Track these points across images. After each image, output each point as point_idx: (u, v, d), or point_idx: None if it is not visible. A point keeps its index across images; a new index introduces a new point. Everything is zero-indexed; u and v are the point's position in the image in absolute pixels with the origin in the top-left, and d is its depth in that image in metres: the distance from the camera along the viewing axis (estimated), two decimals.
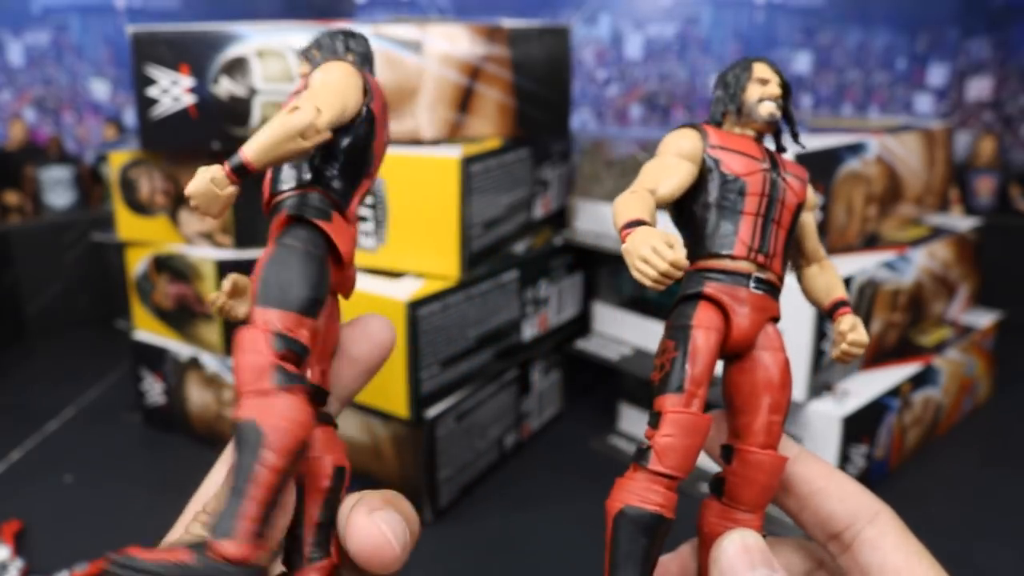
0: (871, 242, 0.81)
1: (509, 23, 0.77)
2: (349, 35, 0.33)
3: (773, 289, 0.31)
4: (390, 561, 0.26)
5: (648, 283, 0.26)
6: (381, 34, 0.74)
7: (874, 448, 0.73)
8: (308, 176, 0.29)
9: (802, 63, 1.52)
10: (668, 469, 0.27)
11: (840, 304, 0.33)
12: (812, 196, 0.34)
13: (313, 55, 0.33)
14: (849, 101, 1.53)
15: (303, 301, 0.27)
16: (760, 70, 0.33)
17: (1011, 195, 1.30)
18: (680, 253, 0.26)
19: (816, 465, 0.29)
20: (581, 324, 0.91)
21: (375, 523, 0.26)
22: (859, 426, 0.70)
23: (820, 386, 0.71)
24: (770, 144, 0.33)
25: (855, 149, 0.76)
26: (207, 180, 0.26)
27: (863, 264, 0.74)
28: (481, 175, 0.72)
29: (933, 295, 0.85)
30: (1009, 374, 0.97)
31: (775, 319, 0.31)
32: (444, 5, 1.65)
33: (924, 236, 0.84)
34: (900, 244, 0.81)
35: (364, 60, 0.33)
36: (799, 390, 0.69)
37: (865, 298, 0.74)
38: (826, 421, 0.69)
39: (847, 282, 0.71)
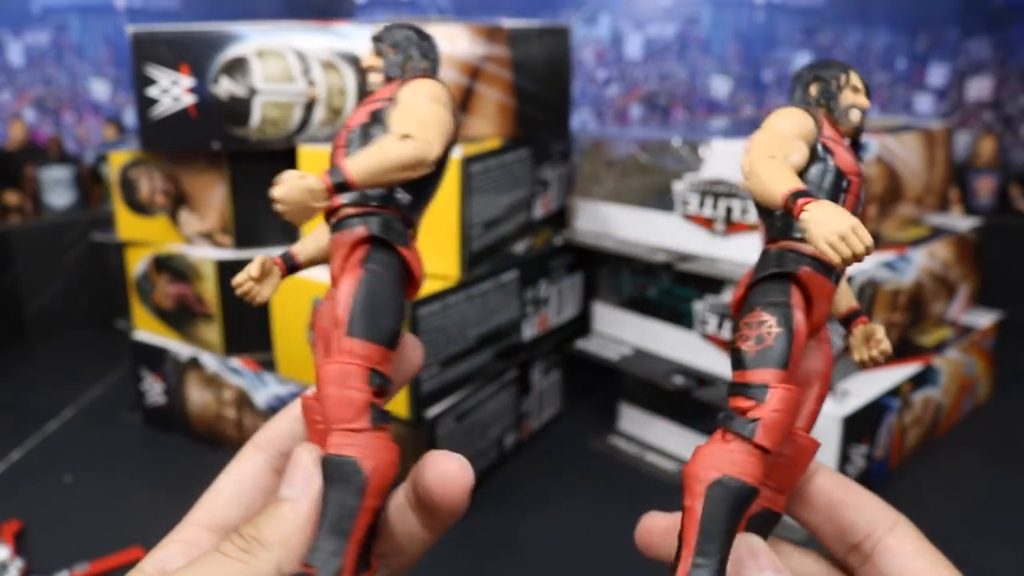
0: None
1: (509, 23, 0.77)
2: (422, 36, 0.33)
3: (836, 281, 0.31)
4: (464, 490, 0.28)
5: (836, 260, 0.26)
6: None
7: (874, 448, 0.73)
8: (390, 195, 0.28)
9: (802, 63, 1.52)
10: (772, 444, 0.27)
11: (857, 312, 0.33)
12: None
13: (387, 53, 0.32)
14: None
15: (391, 334, 0.27)
16: (855, 79, 0.33)
17: (1011, 195, 1.30)
18: (871, 240, 0.26)
19: (833, 477, 0.30)
20: (581, 324, 0.91)
21: (450, 456, 0.28)
22: (859, 426, 0.70)
23: None
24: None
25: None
26: (303, 189, 0.26)
27: (863, 264, 0.74)
28: (481, 175, 0.72)
29: (933, 295, 0.85)
30: (1009, 374, 0.97)
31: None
32: (444, 5, 1.65)
33: (924, 236, 0.84)
34: (900, 244, 0.81)
35: (435, 69, 0.33)
36: None
37: (865, 298, 0.74)
38: (826, 421, 0.69)
39: (847, 282, 0.71)
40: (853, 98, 0.33)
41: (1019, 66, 1.44)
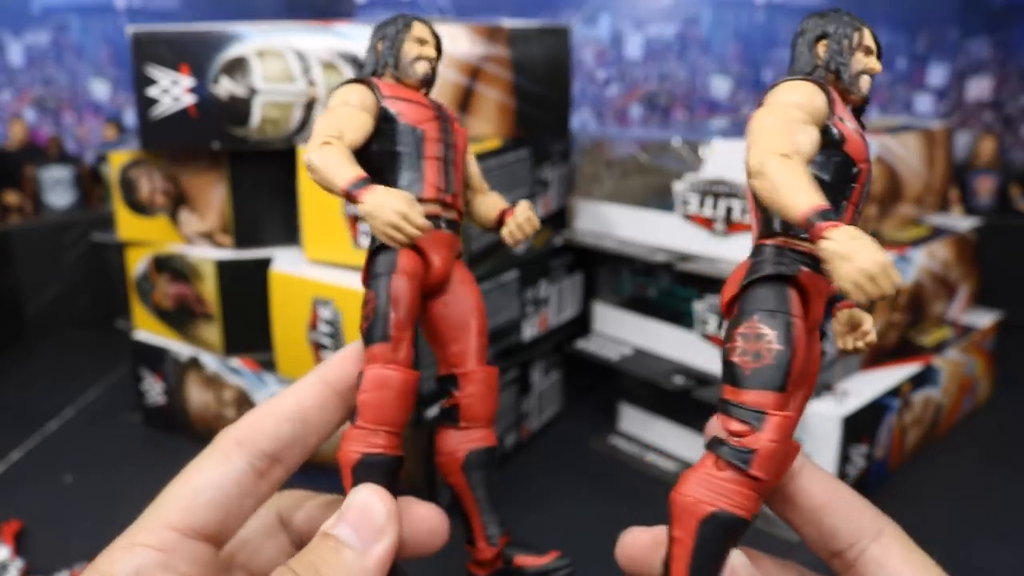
0: None
1: (509, 23, 0.77)
2: (376, 30, 0.36)
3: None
4: (446, 537, 0.30)
5: (861, 300, 0.23)
6: None
7: (874, 448, 0.73)
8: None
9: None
10: (767, 476, 0.25)
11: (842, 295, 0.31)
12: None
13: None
14: None
15: None
16: (868, 38, 0.29)
17: (1011, 195, 1.30)
18: (899, 276, 0.23)
19: (820, 479, 0.28)
20: (581, 324, 0.91)
21: (434, 509, 0.29)
22: (859, 426, 0.70)
23: (820, 386, 0.71)
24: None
25: None
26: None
27: None
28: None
29: (933, 295, 0.85)
30: (1009, 374, 0.97)
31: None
32: (444, 5, 1.65)
33: (924, 236, 0.84)
34: (900, 244, 0.81)
35: (391, 56, 0.36)
36: None
37: None
38: (826, 421, 0.69)
39: None
40: (865, 62, 0.29)
41: (1019, 66, 1.44)
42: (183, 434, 0.88)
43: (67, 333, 1.23)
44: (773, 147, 0.25)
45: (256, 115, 0.75)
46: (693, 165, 0.75)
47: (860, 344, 0.30)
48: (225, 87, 0.75)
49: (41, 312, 1.24)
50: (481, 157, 0.72)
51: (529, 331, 0.82)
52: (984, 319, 0.91)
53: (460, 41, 0.75)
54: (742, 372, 0.26)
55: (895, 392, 0.75)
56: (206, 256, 0.82)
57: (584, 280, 0.91)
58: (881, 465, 0.75)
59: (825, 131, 0.27)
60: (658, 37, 1.61)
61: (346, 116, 0.31)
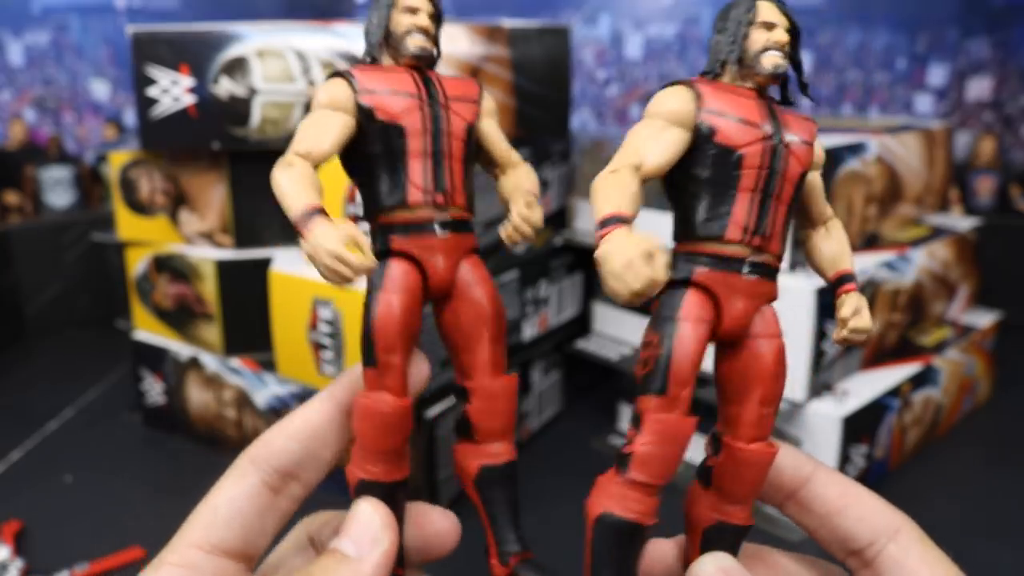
0: (871, 242, 0.81)
1: (509, 23, 0.77)
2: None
3: (770, 271, 0.28)
4: (456, 540, 0.31)
5: (620, 301, 0.24)
6: None
7: (874, 448, 0.73)
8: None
9: (802, 63, 1.52)
10: (647, 478, 0.26)
11: (845, 279, 0.30)
12: (820, 153, 0.30)
13: None
14: (849, 101, 1.53)
15: None
16: (765, 11, 0.28)
17: (1011, 195, 1.30)
18: (658, 269, 0.23)
19: (833, 483, 0.29)
20: (581, 324, 0.91)
21: (445, 513, 0.30)
22: (859, 426, 0.70)
23: (820, 386, 0.71)
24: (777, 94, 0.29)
25: (855, 149, 0.76)
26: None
27: (863, 264, 0.74)
28: (481, 175, 0.72)
29: (933, 295, 0.85)
30: (1009, 374, 0.97)
31: (772, 300, 0.28)
32: (444, 5, 1.64)
33: (924, 236, 0.84)
34: (900, 244, 0.81)
35: (370, 47, 0.32)
36: (799, 390, 0.69)
37: (865, 298, 0.74)
38: (826, 421, 0.69)
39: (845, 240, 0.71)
40: (765, 37, 0.28)
41: (1019, 66, 1.44)
42: (183, 434, 0.88)
43: (67, 333, 1.23)
44: (613, 163, 0.27)
45: (256, 115, 0.75)
46: None
47: (844, 333, 0.29)
48: (225, 87, 0.75)
49: (41, 312, 1.24)
50: None
51: (529, 331, 0.82)
52: (984, 319, 0.91)
53: (460, 41, 0.75)
54: (636, 381, 0.27)
55: (895, 392, 0.75)
56: (206, 256, 0.82)
57: (584, 280, 0.91)
58: (881, 465, 0.75)
59: (697, 129, 0.27)
60: (658, 37, 1.61)
61: (318, 123, 0.28)
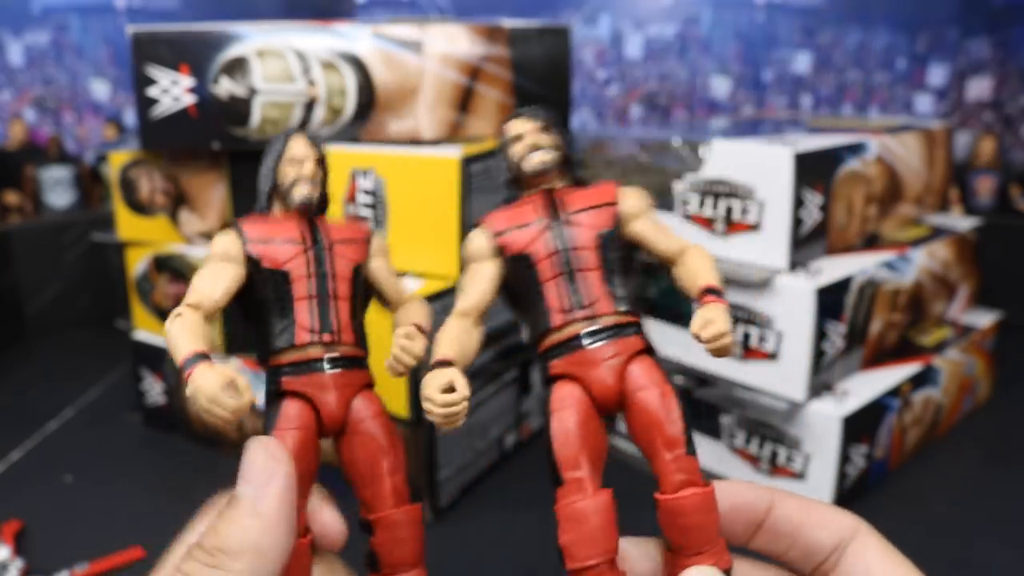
0: (871, 242, 0.81)
1: (509, 23, 0.77)
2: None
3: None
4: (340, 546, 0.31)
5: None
6: (381, 34, 0.74)
7: (874, 448, 0.73)
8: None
9: (802, 63, 1.52)
10: (572, 564, 0.28)
11: (706, 292, 0.31)
12: (635, 203, 0.32)
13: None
14: (849, 101, 1.53)
15: None
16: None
17: (1011, 195, 1.30)
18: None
19: (791, 500, 0.30)
20: None
21: (334, 516, 0.30)
22: (859, 426, 0.70)
23: (820, 386, 0.71)
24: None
25: (855, 149, 0.76)
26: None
27: (863, 264, 0.74)
28: (481, 175, 0.72)
29: (933, 295, 0.85)
30: (1009, 374, 0.97)
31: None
32: (444, 5, 1.65)
33: (924, 236, 0.84)
34: (900, 244, 0.81)
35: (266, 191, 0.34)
36: (799, 390, 0.69)
37: (865, 298, 0.74)
38: (826, 421, 0.69)
39: (847, 282, 0.71)
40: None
41: (1019, 66, 1.44)
42: (183, 434, 0.88)
43: (67, 333, 1.23)
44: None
45: (256, 115, 0.75)
46: (693, 165, 0.75)
47: (705, 347, 0.29)
48: (225, 87, 0.75)
49: (41, 312, 1.24)
50: (481, 157, 0.72)
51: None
52: (984, 319, 0.91)
53: (460, 41, 0.75)
54: None
55: (895, 392, 0.75)
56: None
57: None
58: (881, 465, 0.75)
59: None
60: (658, 37, 1.61)
61: (210, 275, 0.31)
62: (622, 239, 0.32)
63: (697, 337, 0.29)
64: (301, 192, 0.31)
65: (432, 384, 0.27)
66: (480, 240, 0.31)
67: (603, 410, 0.30)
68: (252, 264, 0.31)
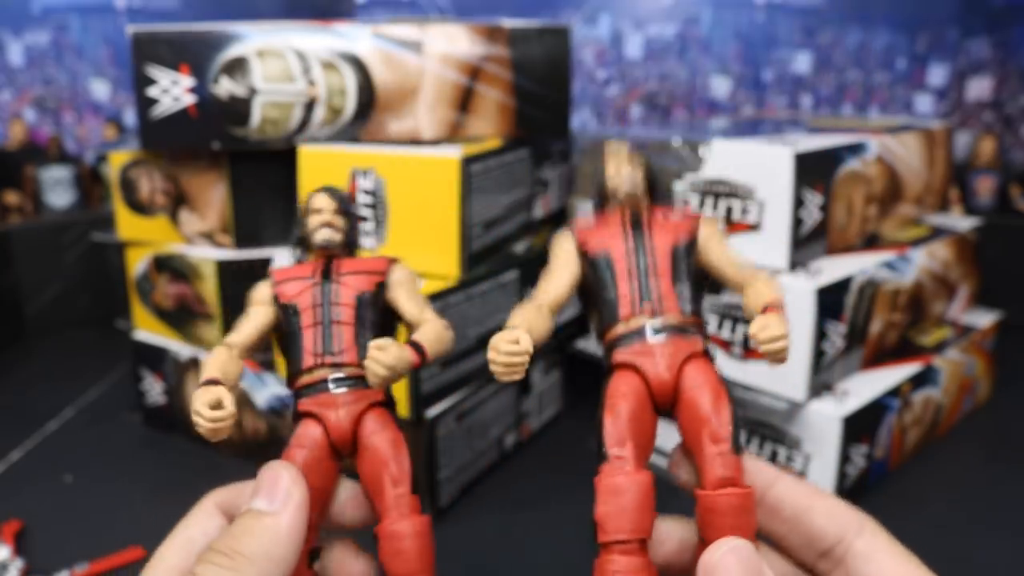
0: (871, 242, 0.81)
1: (509, 23, 0.77)
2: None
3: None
4: None
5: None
6: (381, 34, 0.74)
7: (874, 448, 0.73)
8: None
9: (802, 63, 1.52)
10: (604, 537, 0.29)
11: (769, 306, 0.32)
12: (707, 227, 0.35)
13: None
14: (849, 101, 1.53)
15: None
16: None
17: (1011, 195, 1.30)
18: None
19: (800, 485, 0.30)
20: (581, 324, 0.91)
21: (365, 560, 0.33)
22: (859, 426, 0.70)
23: (820, 386, 0.71)
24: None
25: (855, 149, 0.76)
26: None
27: (863, 264, 0.74)
28: (481, 175, 0.72)
29: (933, 295, 0.85)
30: (1009, 374, 0.97)
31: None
32: (444, 5, 1.65)
33: (924, 236, 0.84)
34: (900, 244, 0.81)
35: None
36: (799, 390, 0.69)
37: (865, 298, 0.74)
38: (826, 421, 0.69)
39: (847, 282, 0.71)
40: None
41: (1019, 66, 1.44)
42: (183, 434, 0.88)
43: (67, 333, 1.23)
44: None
45: (256, 115, 0.75)
46: (693, 165, 0.75)
47: (761, 348, 0.31)
48: (225, 87, 0.75)
49: (41, 312, 1.24)
50: (481, 157, 0.72)
51: None
52: (984, 319, 0.91)
53: (460, 41, 0.75)
54: None
55: (895, 392, 0.75)
56: (206, 256, 0.82)
57: None
58: (881, 465, 0.75)
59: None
60: (658, 37, 1.61)
61: (246, 316, 0.36)
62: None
63: (755, 338, 0.30)
64: (322, 235, 0.36)
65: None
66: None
67: (657, 404, 0.31)
68: (275, 302, 0.35)
